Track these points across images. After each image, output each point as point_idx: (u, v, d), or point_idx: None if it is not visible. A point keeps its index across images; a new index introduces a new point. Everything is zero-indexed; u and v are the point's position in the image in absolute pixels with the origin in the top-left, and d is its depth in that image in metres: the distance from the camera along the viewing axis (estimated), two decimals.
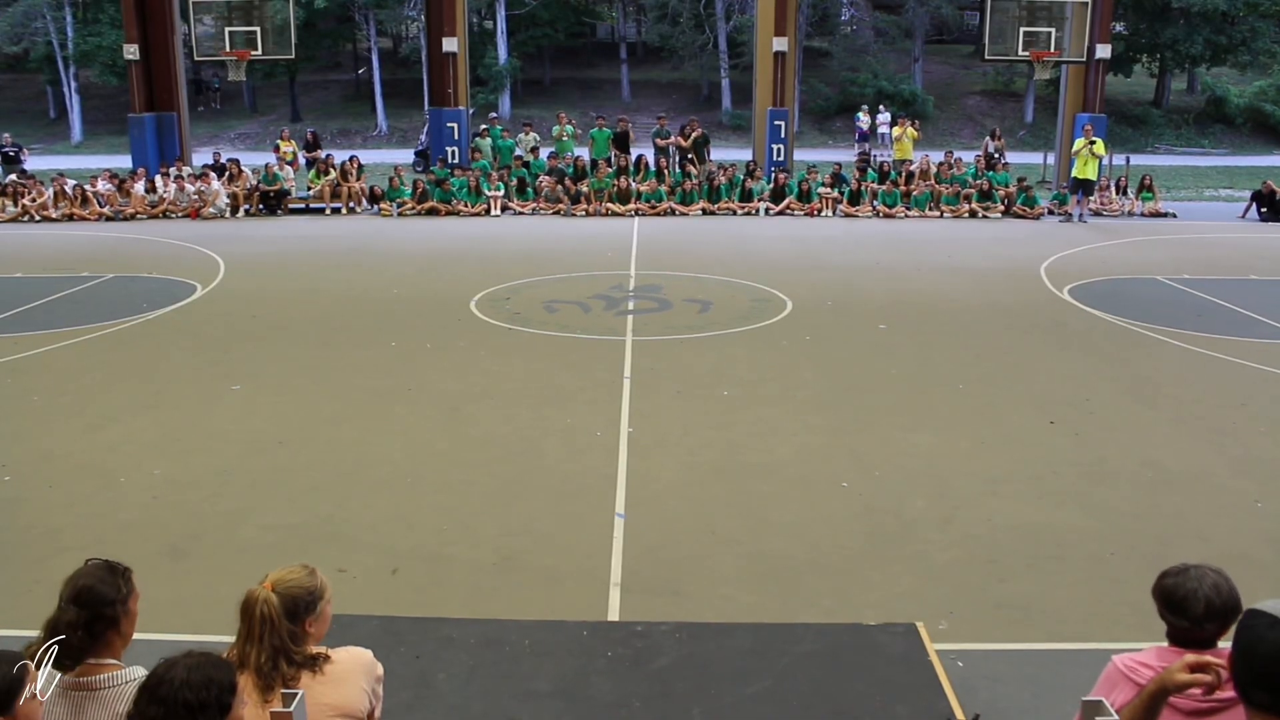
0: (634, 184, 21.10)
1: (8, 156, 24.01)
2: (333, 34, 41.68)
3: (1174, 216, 20.82)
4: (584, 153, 22.80)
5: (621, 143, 22.32)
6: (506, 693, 4.55)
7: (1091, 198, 20.49)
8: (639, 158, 22.06)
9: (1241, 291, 13.64)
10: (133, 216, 20.10)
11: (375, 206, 20.98)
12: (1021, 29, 21.34)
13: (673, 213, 20.56)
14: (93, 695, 2.64)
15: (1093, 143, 19.67)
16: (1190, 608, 2.81)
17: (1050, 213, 20.72)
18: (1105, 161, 22.09)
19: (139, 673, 2.64)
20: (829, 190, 20.91)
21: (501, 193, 20.77)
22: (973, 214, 20.62)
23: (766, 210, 20.69)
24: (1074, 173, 20.10)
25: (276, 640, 2.79)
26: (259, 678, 2.77)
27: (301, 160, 23.35)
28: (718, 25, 38.86)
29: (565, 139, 22.64)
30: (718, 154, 24.76)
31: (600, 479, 7.33)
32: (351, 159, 22.07)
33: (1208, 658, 2.49)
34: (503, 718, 4.40)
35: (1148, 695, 2.65)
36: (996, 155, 23.32)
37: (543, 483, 7.29)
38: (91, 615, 2.66)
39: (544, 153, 23.05)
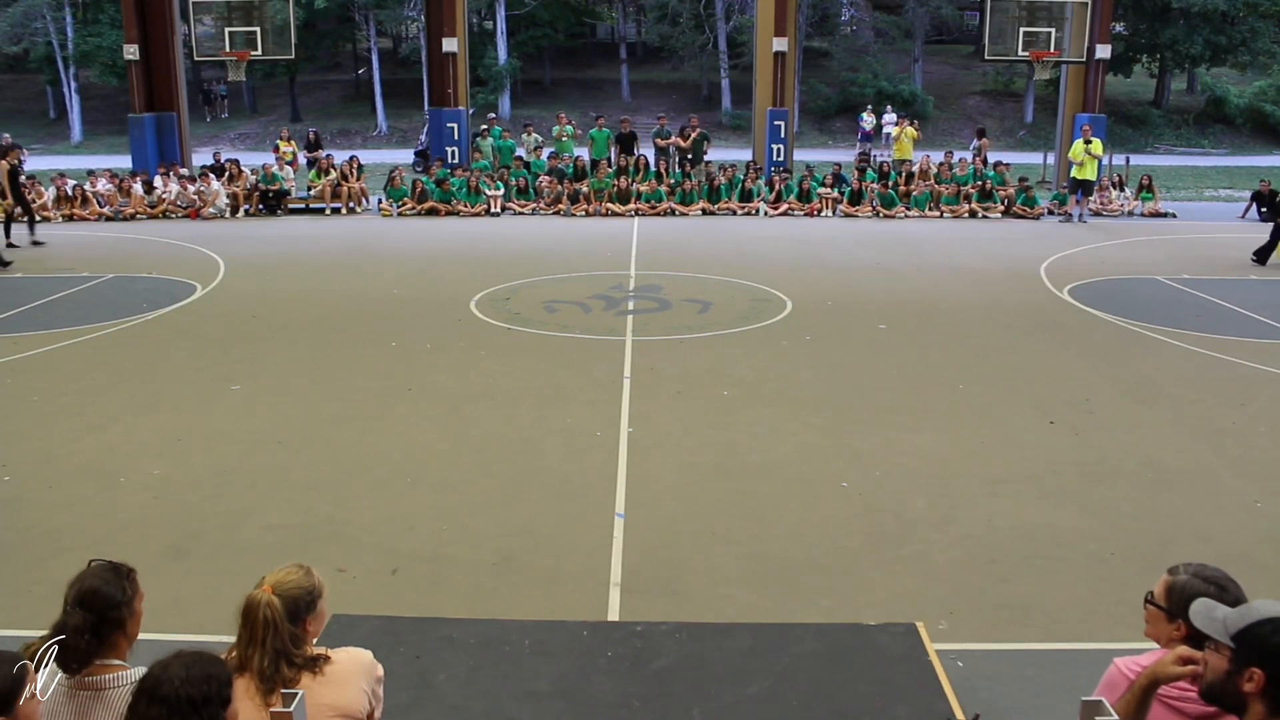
0: (634, 184, 21.10)
1: None
2: (333, 34, 41.69)
3: (1174, 216, 20.83)
4: (584, 153, 22.81)
5: (627, 143, 22.34)
6: (506, 693, 4.55)
7: (1091, 198, 20.49)
8: (639, 158, 22.08)
9: (1241, 291, 13.64)
10: (132, 216, 20.10)
11: (377, 204, 21.04)
12: (1021, 29, 21.34)
13: (673, 213, 20.57)
14: (98, 696, 2.64)
15: (1089, 143, 19.69)
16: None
17: (1050, 213, 20.72)
18: (1106, 161, 22.09)
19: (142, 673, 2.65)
20: (829, 190, 20.92)
21: (502, 192, 20.78)
22: (973, 214, 20.63)
23: (766, 212, 20.69)
24: (1073, 173, 20.13)
25: (279, 643, 2.79)
26: (261, 681, 2.77)
27: (302, 160, 23.36)
28: (718, 25, 38.86)
29: (565, 139, 22.66)
30: (718, 154, 24.75)
31: (600, 479, 7.33)
32: (351, 159, 22.08)
33: (1198, 652, 2.53)
34: (503, 718, 4.40)
35: (1139, 688, 2.68)
36: (976, 154, 23.31)
37: (543, 483, 7.29)
38: (97, 618, 2.66)
39: (545, 153, 23.06)
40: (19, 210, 17.10)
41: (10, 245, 16.58)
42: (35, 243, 16.97)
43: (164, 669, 2.33)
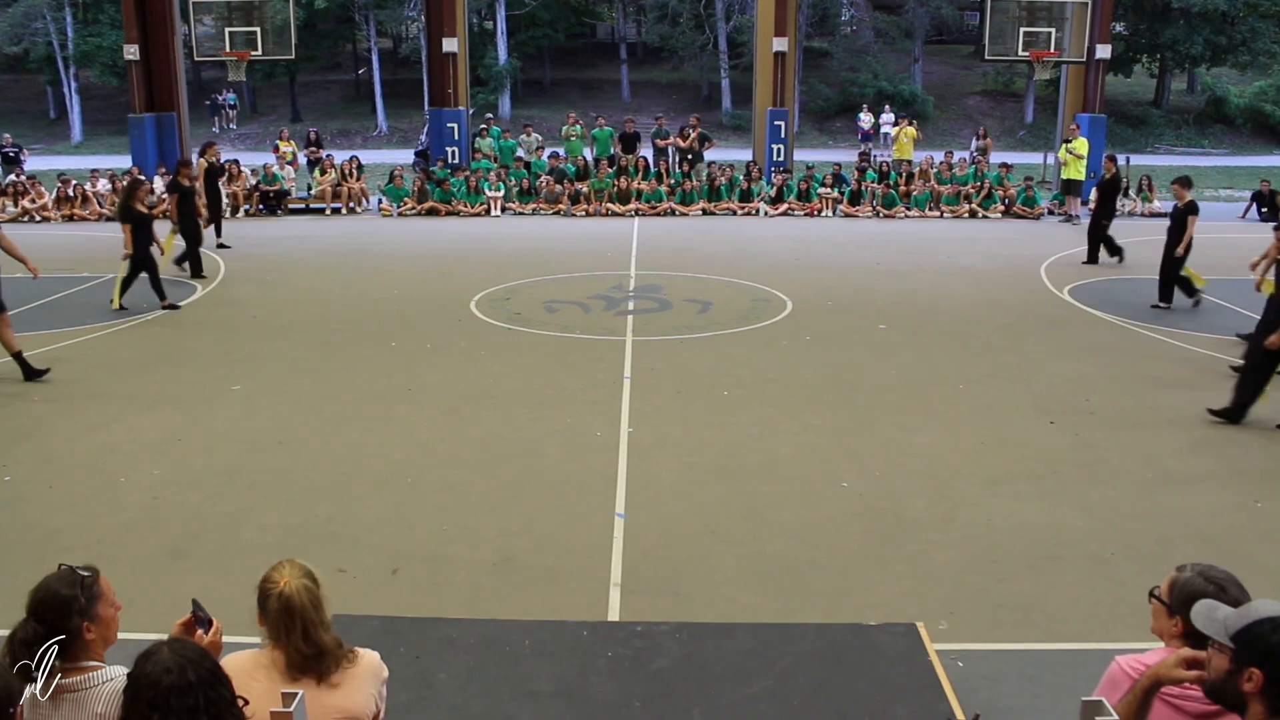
0: (634, 184, 21.09)
1: (8, 157, 24.01)
2: (333, 34, 41.67)
3: None
4: (589, 153, 22.81)
5: (629, 143, 22.34)
6: (506, 693, 4.55)
7: (1083, 197, 20.52)
8: (640, 158, 22.08)
9: (1241, 291, 13.62)
10: None
11: (377, 204, 21.05)
12: (1021, 29, 21.34)
13: (673, 213, 20.56)
14: (68, 697, 2.64)
15: (1067, 141, 19.80)
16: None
17: (1050, 213, 20.73)
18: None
19: (118, 672, 2.64)
20: (829, 190, 20.93)
21: (502, 193, 20.78)
22: (973, 214, 20.63)
23: (766, 211, 20.69)
24: (1062, 175, 20.29)
25: (328, 621, 2.89)
26: (331, 658, 2.87)
27: (302, 160, 23.34)
28: (718, 25, 38.86)
29: (573, 139, 22.65)
30: (719, 154, 24.72)
31: (600, 479, 7.33)
32: (351, 159, 22.08)
33: (1202, 653, 2.52)
34: (503, 718, 4.40)
35: (1141, 689, 2.67)
36: (979, 154, 23.31)
37: (543, 483, 7.29)
38: (49, 630, 2.65)
39: (546, 153, 23.05)
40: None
41: (222, 246, 16.50)
42: (221, 245, 16.63)
43: (150, 659, 2.34)
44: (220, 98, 37.66)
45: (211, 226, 16.58)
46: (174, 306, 12.53)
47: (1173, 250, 12.54)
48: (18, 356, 9.58)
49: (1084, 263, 15.57)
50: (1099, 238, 15.62)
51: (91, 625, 2.72)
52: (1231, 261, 15.85)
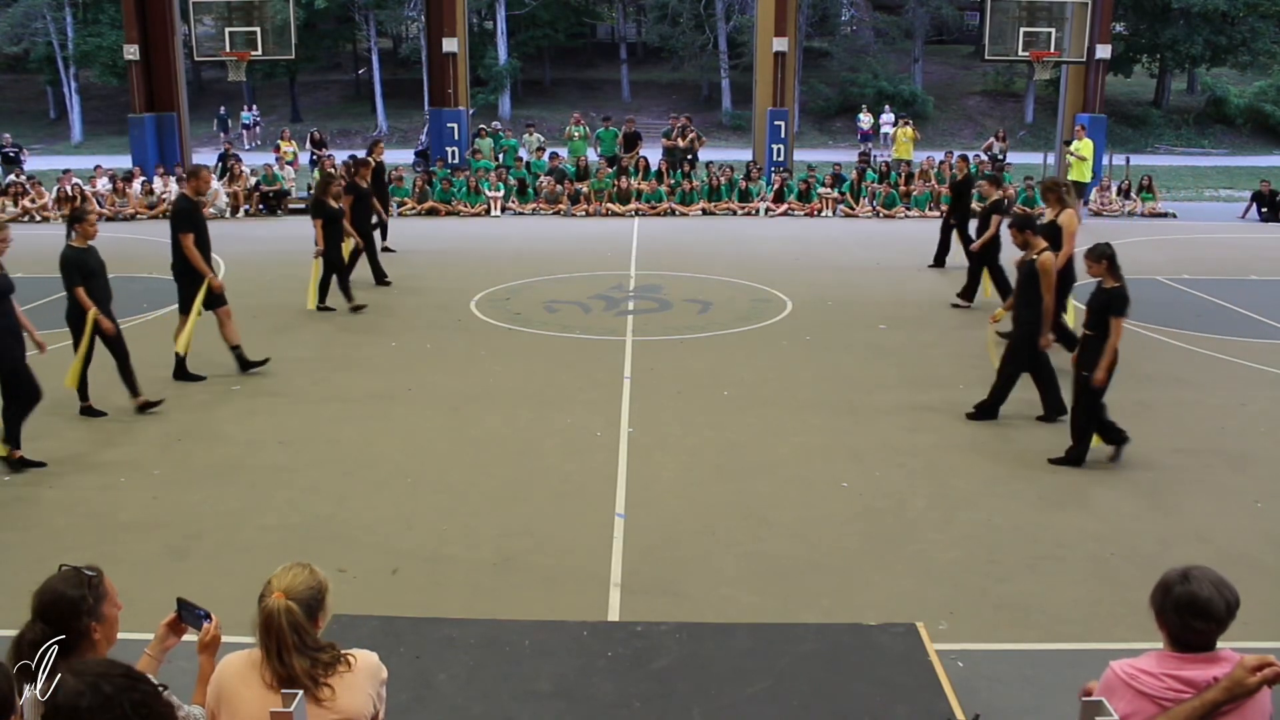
0: (634, 184, 21.08)
1: (8, 157, 24.01)
2: (333, 34, 41.69)
3: (1174, 216, 20.83)
4: (593, 152, 22.79)
5: (629, 143, 22.34)
6: (506, 693, 4.55)
7: (1084, 199, 20.52)
8: (640, 158, 22.08)
9: (1241, 291, 13.64)
10: (133, 216, 20.10)
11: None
12: (1021, 29, 21.31)
13: (673, 213, 20.56)
14: None
15: (1067, 143, 19.83)
16: (1214, 611, 2.81)
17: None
18: (1105, 161, 22.08)
19: None
20: (829, 190, 20.93)
21: (501, 193, 20.78)
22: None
23: (767, 210, 20.69)
24: (1067, 176, 20.25)
25: (311, 643, 2.82)
26: (312, 684, 2.80)
27: (305, 160, 23.33)
28: (718, 25, 38.87)
29: (577, 139, 22.63)
30: (719, 154, 24.70)
31: (600, 479, 7.33)
32: (351, 159, 22.05)
33: (1270, 658, 2.57)
34: (503, 718, 4.40)
35: (1210, 703, 2.68)
36: (1000, 156, 23.30)
37: (543, 483, 7.29)
38: (57, 631, 2.66)
39: (546, 153, 23.06)
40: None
41: (385, 249, 15.61)
42: (386, 249, 15.77)
43: (58, 690, 2.30)
44: (246, 123, 35.44)
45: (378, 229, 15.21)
46: (360, 307, 12.33)
47: (986, 248, 12.45)
48: (236, 350, 9.88)
49: (930, 265, 15.05)
50: (946, 238, 14.98)
51: (98, 625, 2.73)
52: (1230, 263, 15.89)
